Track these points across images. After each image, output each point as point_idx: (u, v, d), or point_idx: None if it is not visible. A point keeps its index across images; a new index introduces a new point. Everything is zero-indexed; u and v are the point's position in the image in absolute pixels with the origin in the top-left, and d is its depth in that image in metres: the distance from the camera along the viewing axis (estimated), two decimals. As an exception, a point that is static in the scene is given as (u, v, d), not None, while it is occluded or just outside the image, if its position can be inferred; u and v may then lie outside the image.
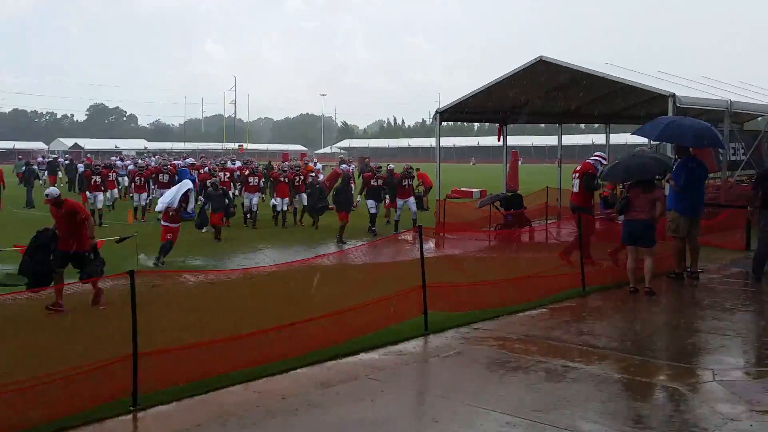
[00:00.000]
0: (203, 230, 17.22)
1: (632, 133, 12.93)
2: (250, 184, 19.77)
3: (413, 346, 7.30)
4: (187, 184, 13.99)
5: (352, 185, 20.98)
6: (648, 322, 8.54)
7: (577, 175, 11.91)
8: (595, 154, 12.64)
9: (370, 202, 17.55)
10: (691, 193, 10.48)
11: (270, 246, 15.60)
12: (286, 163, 27.09)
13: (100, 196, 20.23)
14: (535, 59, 16.24)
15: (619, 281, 10.04)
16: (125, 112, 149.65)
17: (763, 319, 8.64)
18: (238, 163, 28.39)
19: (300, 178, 19.61)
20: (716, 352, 7.04)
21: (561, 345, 7.21)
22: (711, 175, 14.54)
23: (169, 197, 13.26)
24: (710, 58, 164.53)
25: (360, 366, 6.60)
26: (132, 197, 22.88)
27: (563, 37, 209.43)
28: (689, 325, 8.19)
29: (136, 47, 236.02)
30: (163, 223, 13.30)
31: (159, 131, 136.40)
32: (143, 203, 21.33)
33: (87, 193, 20.48)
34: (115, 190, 23.88)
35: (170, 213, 13.03)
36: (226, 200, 17.16)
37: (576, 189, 11.90)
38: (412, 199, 17.96)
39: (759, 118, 22.71)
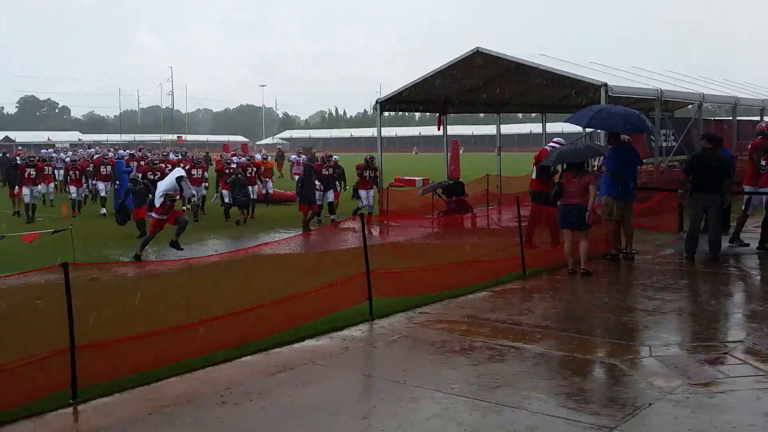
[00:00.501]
0: (125, 225, 15.94)
1: (565, 121, 13.30)
2: (194, 176, 19.14)
3: (359, 331, 7.32)
4: (178, 171, 13.41)
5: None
6: (587, 302, 8.77)
7: (534, 161, 12.20)
8: (553, 140, 12.84)
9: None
10: (623, 178, 10.80)
11: (214, 237, 15.40)
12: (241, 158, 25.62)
13: (35, 189, 19.48)
14: (472, 50, 16.46)
15: (558, 264, 10.29)
16: (57, 104, 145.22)
17: (697, 296, 8.98)
18: (181, 156, 27.99)
19: (252, 170, 19.41)
20: (653, 329, 7.27)
21: (504, 326, 7.34)
22: (644, 161, 15.00)
23: (163, 187, 12.63)
24: (641, 49, 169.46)
25: (305, 352, 6.58)
26: (68, 190, 22.01)
27: (501, 27, 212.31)
28: (626, 304, 8.44)
29: (68, 38, 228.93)
30: (153, 215, 12.78)
31: (93, 123, 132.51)
32: (80, 197, 20.84)
33: (24, 187, 19.39)
34: (52, 184, 23.03)
35: (166, 204, 12.50)
36: (150, 194, 15.47)
37: (534, 175, 12.16)
38: (372, 192, 17.76)
39: (689, 106, 23.52)
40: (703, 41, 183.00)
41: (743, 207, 11.88)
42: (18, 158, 27.18)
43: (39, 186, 20.05)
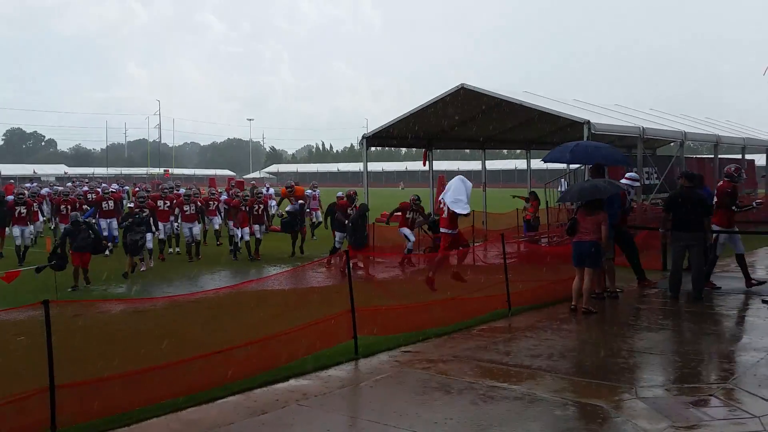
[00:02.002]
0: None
1: (542, 160, 13.26)
2: (186, 213, 17.41)
3: (343, 370, 7.27)
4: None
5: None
6: (572, 341, 8.77)
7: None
8: (626, 176, 12.79)
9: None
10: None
11: (206, 273, 15.28)
12: (253, 190, 23.14)
13: (27, 230, 17.60)
14: (457, 86, 16.69)
15: (544, 302, 10.31)
16: (44, 136, 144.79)
17: (681, 336, 9.00)
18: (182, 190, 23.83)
19: (260, 207, 17.82)
20: (637, 370, 7.27)
21: (489, 365, 7.32)
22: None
23: None
24: (623, 86, 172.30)
25: (289, 392, 6.52)
26: (52, 225, 20.39)
27: (486, 63, 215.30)
28: (611, 343, 8.43)
29: (55, 71, 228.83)
30: None
31: (80, 156, 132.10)
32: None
33: (14, 227, 17.37)
34: (39, 223, 19.88)
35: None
36: (91, 233, 13.15)
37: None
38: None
39: (671, 144, 23.87)
40: (686, 79, 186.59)
41: (714, 249, 11.73)
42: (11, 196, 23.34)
43: (30, 227, 17.98)
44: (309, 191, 23.16)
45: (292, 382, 6.80)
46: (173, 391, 6.19)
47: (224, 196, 20.86)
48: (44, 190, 26.10)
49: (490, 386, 6.58)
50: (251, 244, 17.14)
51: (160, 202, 17.76)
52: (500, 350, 7.99)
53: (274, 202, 24.86)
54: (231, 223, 18.07)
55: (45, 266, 11.08)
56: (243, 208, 17.14)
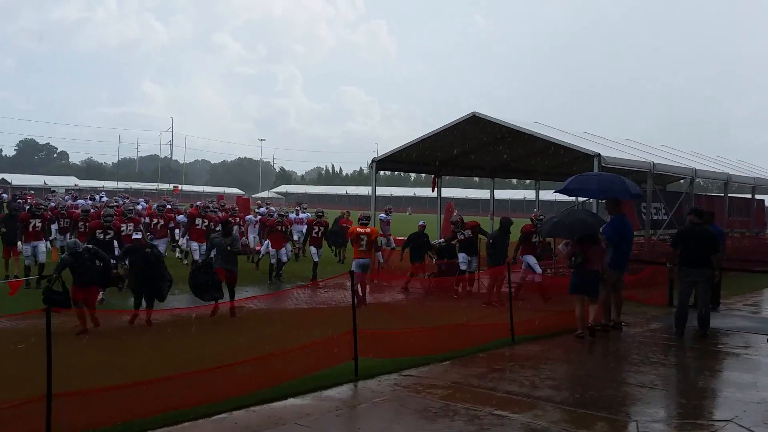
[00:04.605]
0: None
1: (557, 191, 12.97)
2: (197, 227, 16.15)
3: (343, 392, 7.21)
4: None
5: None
6: (574, 372, 8.69)
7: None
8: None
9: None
10: (619, 248, 10.86)
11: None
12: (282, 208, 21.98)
13: (41, 246, 14.92)
14: (469, 114, 16.78)
15: (548, 332, 10.26)
16: (56, 148, 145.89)
17: (685, 373, 8.90)
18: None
19: (288, 228, 17.00)
20: (640, 404, 7.19)
21: (489, 393, 7.25)
22: (635, 232, 15.10)
23: None
24: (633, 123, 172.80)
25: (287, 411, 6.46)
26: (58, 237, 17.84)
27: (499, 96, 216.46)
28: (614, 376, 8.36)
29: (72, 84, 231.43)
30: None
31: (91, 169, 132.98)
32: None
33: (24, 246, 14.86)
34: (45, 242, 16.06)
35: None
36: (98, 262, 10.30)
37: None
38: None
39: (681, 181, 23.82)
40: (697, 118, 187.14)
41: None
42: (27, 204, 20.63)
43: (45, 242, 15.47)
44: (383, 216, 21.32)
45: (291, 400, 6.75)
46: (170, 405, 6.16)
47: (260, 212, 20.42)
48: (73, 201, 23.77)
49: (488, 413, 6.51)
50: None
51: (197, 221, 16.38)
52: (502, 378, 7.91)
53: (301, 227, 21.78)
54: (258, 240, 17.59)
55: (49, 276, 10.54)
56: (279, 228, 16.29)
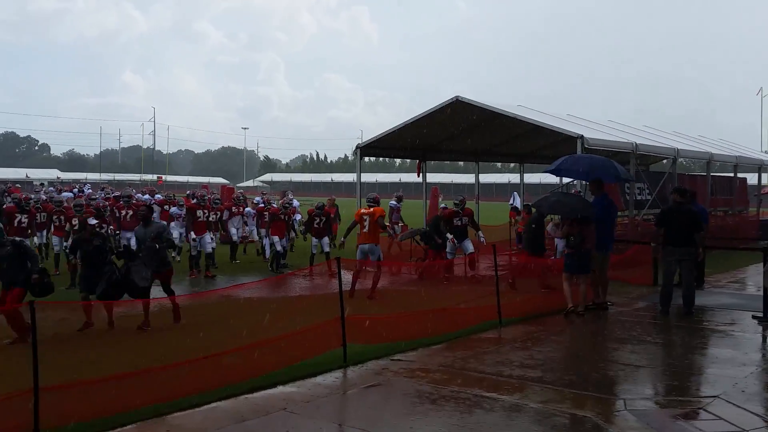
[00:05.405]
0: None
1: (547, 171, 13.13)
2: (199, 219, 15.30)
3: (332, 378, 7.22)
4: None
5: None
6: (562, 353, 8.76)
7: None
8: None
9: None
10: (603, 229, 10.93)
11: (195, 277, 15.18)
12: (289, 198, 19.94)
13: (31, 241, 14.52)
14: (452, 99, 16.75)
15: (534, 313, 10.32)
16: (37, 141, 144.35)
17: (671, 350, 8.98)
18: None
19: (290, 218, 16.87)
20: (627, 383, 7.25)
21: (478, 375, 7.28)
22: (619, 213, 15.18)
23: None
24: (617, 104, 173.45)
25: (277, 399, 6.46)
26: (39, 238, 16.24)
27: (482, 81, 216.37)
28: (601, 355, 8.43)
29: (52, 76, 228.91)
30: None
31: (73, 161, 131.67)
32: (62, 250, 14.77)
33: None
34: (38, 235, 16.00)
35: None
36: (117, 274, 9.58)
37: None
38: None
39: (664, 161, 23.95)
40: (679, 97, 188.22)
41: None
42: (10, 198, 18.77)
43: (34, 239, 15.36)
44: (393, 203, 20.71)
45: (280, 388, 6.74)
46: (159, 396, 6.13)
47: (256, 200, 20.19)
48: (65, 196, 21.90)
49: (477, 396, 6.54)
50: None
51: (198, 212, 15.45)
52: (490, 361, 7.94)
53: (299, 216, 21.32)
54: (262, 232, 17.31)
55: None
56: (282, 217, 16.08)
